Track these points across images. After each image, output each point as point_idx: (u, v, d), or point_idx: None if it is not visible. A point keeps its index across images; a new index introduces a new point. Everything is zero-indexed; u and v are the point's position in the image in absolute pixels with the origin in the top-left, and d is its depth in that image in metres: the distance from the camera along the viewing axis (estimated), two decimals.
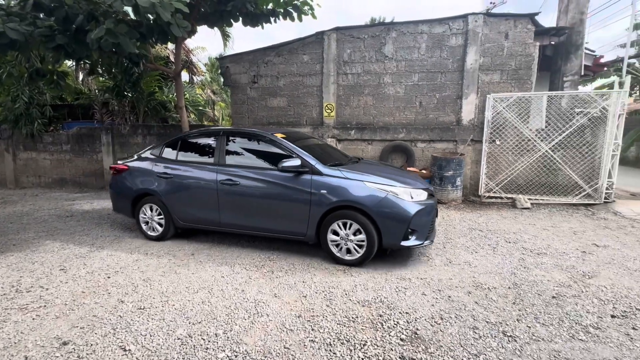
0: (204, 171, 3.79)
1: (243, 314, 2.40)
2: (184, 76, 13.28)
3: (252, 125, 7.29)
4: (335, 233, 3.29)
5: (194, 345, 2.05)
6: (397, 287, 2.82)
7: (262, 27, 5.81)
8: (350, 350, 1.99)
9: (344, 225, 3.25)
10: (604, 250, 3.64)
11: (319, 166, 3.40)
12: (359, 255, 3.23)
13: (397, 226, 3.12)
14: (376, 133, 6.68)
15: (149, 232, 4.15)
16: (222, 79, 9.00)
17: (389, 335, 2.13)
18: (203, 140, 4.05)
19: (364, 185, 3.25)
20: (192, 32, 5.70)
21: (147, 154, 4.28)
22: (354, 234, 3.22)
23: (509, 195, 6.03)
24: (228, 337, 2.13)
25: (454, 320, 2.30)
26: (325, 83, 6.80)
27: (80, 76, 11.63)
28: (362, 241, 3.20)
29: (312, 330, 2.21)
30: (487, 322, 2.28)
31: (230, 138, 3.88)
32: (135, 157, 4.38)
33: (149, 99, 8.90)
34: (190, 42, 14.82)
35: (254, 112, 7.32)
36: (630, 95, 15.19)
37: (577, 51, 6.21)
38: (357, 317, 2.36)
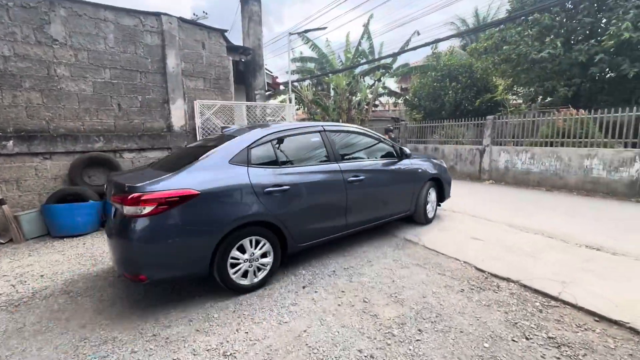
0: (327, 172, 3.23)
1: None
2: None
3: None
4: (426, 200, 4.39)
5: None
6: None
7: None
8: None
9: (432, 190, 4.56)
10: None
11: (407, 151, 4.17)
12: (434, 212, 4.71)
13: (448, 186, 4.87)
14: (56, 144, 4.87)
15: (243, 282, 2.72)
16: None
17: None
18: (303, 138, 3.31)
19: (431, 161, 4.57)
20: None
21: (221, 162, 2.67)
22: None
23: None
24: None
25: None
26: None
27: None
28: (433, 201, 4.61)
29: None
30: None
31: (332, 134, 3.48)
32: (185, 171, 2.52)
33: None
34: None
35: None
36: (298, 108, 21.34)
37: (260, 70, 7.61)
38: None
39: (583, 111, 7.05)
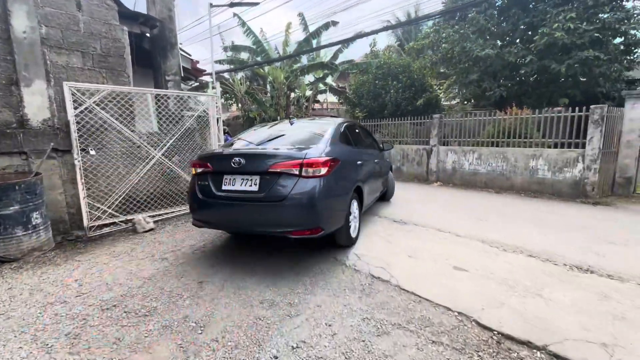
0: (369, 154, 4.39)
1: None
2: None
3: None
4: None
5: None
6: None
7: None
8: None
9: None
10: None
11: (385, 146, 5.56)
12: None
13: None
14: None
15: (353, 236, 3.58)
16: None
17: None
18: (352, 127, 4.28)
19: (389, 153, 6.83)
20: None
21: (333, 140, 3.42)
22: None
23: (129, 218, 4.73)
24: None
25: None
26: None
27: None
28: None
29: None
30: None
31: (358, 128, 4.65)
32: (319, 144, 3.24)
33: None
34: None
35: None
36: (231, 104, 19.33)
37: (173, 50, 5.91)
38: None
39: (528, 110, 6.99)
